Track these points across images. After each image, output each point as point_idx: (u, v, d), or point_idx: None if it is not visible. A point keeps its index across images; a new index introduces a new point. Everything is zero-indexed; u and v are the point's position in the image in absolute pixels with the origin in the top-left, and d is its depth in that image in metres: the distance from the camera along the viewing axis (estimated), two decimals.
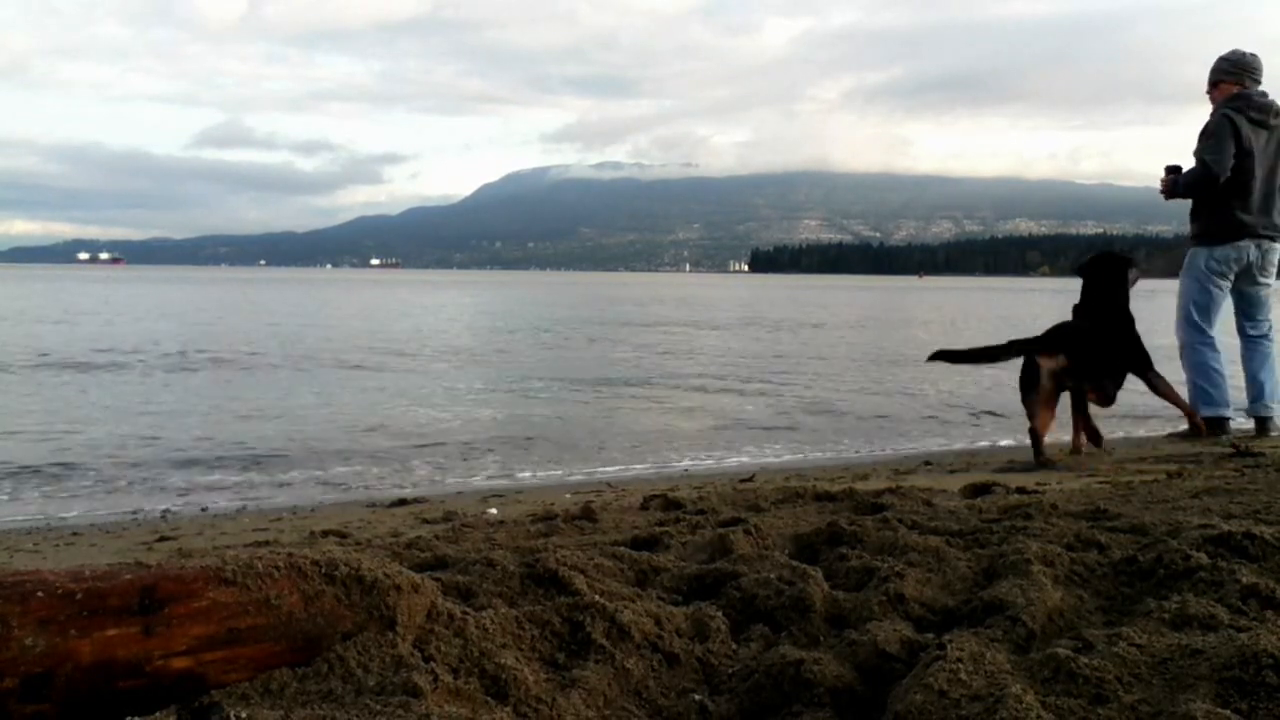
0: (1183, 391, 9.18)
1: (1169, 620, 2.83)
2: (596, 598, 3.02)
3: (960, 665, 2.42)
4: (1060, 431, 8.47)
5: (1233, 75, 9.43)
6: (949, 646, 2.55)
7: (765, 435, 12.08)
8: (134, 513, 7.64)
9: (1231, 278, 9.60)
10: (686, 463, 10.10)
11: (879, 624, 2.93)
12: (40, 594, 2.20)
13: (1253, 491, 5.27)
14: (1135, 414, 12.39)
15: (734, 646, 2.92)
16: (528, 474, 9.58)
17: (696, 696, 2.65)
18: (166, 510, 7.72)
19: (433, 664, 2.50)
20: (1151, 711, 2.24)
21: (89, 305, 47.02)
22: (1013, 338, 7.83)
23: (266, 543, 5.89)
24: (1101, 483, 6.78)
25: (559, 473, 9.59)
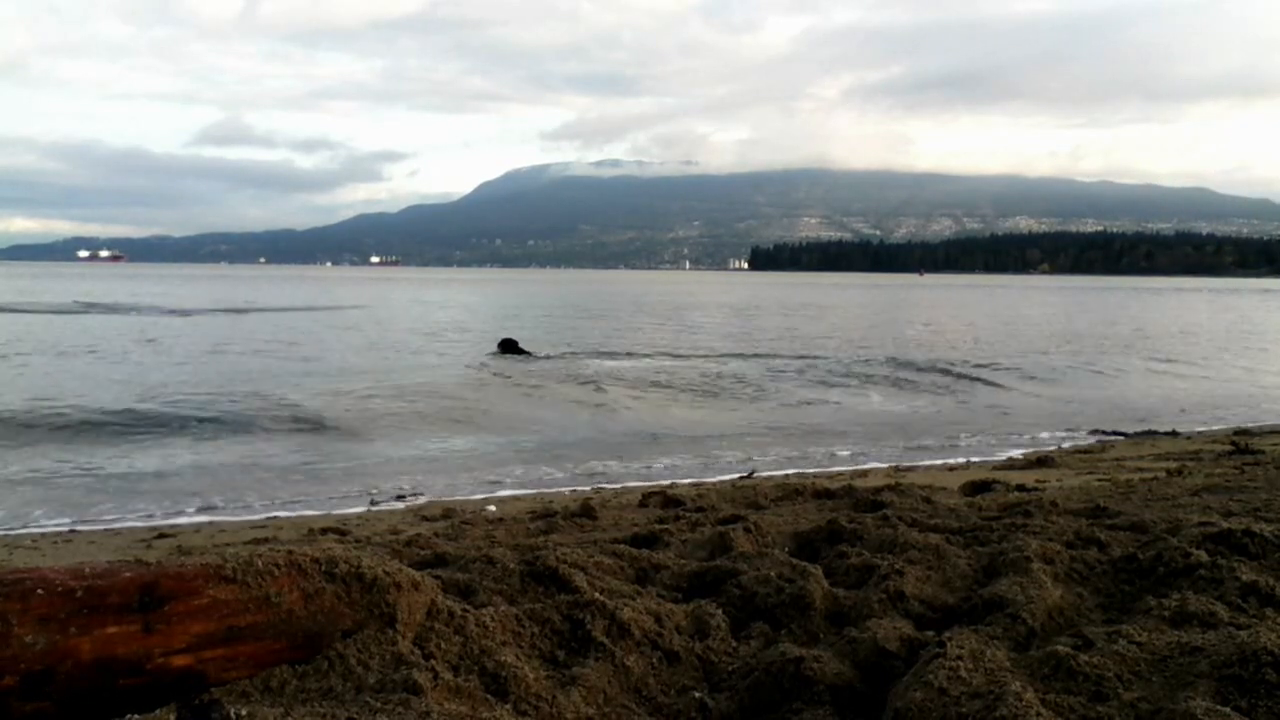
0: None
1: (1169, 618, 2.84)
2: (596, 595, 3.02)
3: (960, 663, 2.43)
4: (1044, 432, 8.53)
5: None
6: (949, 644, 2.55)
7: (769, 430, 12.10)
8: (134, 510, 7.63)
9: None
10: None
11: (879, 621, 2.94)
12: (40, 591, 2.20)
13: (1252, 489, 5.27)
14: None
15: (734, 644, 2.93)
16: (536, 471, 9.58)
17: (696, 694, 2.65)
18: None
19: (433, 661, 2.51)
20: (1151, 709, 2.24)
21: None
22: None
23: (266, 540, 5.90)
24: (1101, 480, 6.78)
25: (558, 473, 9.58)
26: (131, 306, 42.06)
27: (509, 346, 22.63)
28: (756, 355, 22.60)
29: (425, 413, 12.94)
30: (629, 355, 22.89)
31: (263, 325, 32.37)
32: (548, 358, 21.62)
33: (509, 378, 17.09)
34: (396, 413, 12.83)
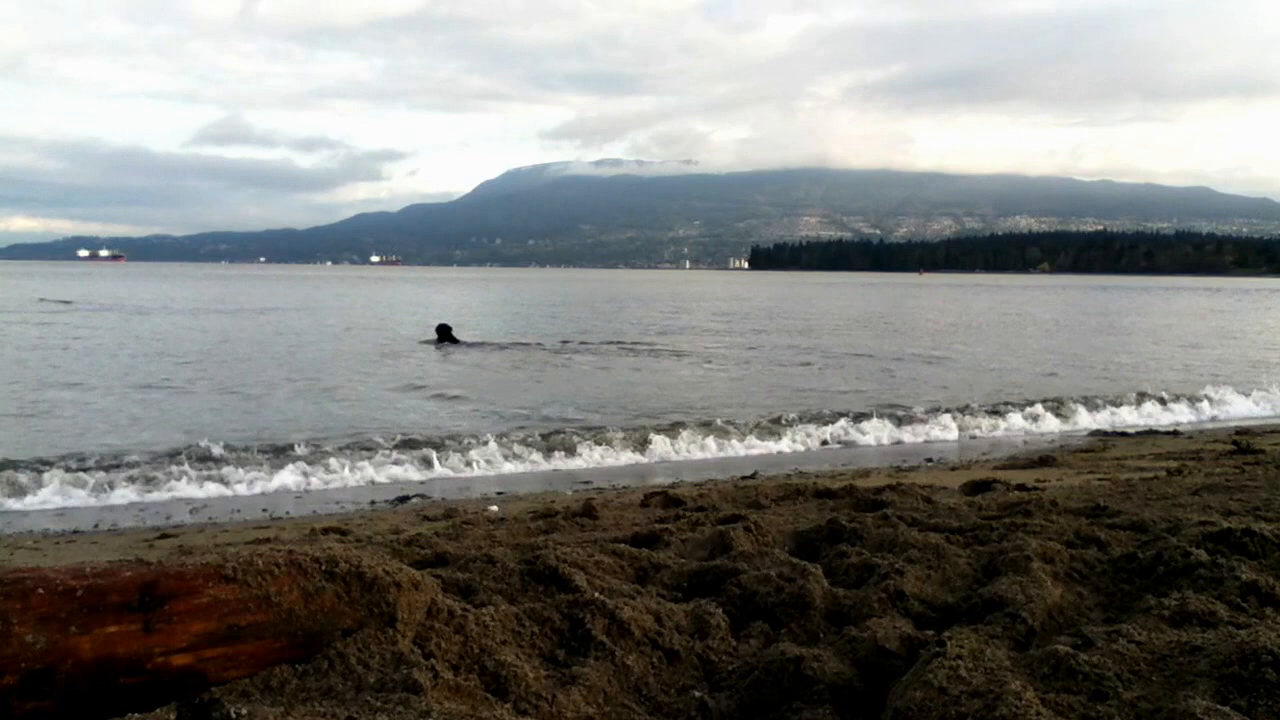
0: None
1: (1168, 617, 2.83)
2: (596, 594, 3.02)
3: (960, 662, 2.43)
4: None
5: None
6: (949, 643, 2.56)
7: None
8: (135, 508, 7.63)
9: None
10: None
11: (879, 621, 2.94)
12: (41, 590, 2.20)
13: (1252, 488, 5.27)
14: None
15: (734, 643, 2.93)
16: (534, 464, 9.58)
17: (696, 693, 2.65)
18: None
19: (433, 661, 2.51)
20: (1151, 708, 2.24)
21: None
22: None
23: (268, 540, 5.90)
24: (1101, 479, 6.78)
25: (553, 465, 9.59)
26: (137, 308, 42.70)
27: (444, 333, 24.72)
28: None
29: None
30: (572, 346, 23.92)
31: (253, 325, 32.49)
32: (471, 346, 23.50)
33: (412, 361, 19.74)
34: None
